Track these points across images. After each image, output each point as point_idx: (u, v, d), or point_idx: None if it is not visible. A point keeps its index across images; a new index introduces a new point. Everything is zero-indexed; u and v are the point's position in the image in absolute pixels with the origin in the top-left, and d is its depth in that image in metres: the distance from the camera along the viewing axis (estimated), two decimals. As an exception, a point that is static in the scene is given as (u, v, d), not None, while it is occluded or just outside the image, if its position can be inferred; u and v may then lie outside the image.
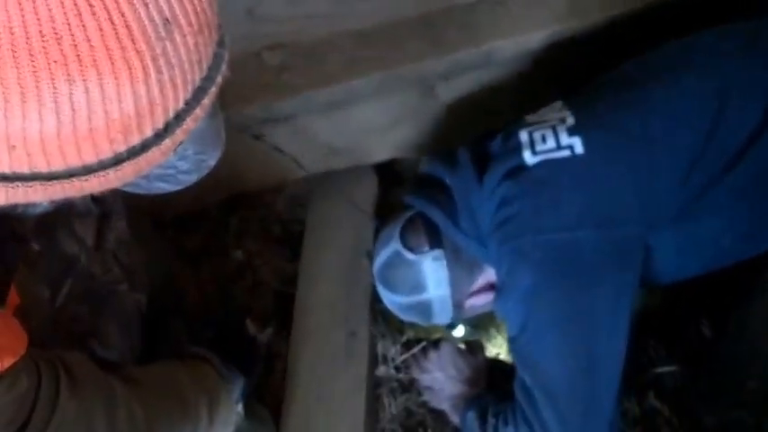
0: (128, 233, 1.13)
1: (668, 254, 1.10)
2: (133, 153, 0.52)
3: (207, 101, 0.55)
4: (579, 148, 1.08)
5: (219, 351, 1.21)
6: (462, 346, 1.36)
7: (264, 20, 1.21)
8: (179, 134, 0.54)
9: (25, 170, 0.49)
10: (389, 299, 1.27)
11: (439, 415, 1.33)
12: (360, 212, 1.54)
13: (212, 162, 0.72)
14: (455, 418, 1.26)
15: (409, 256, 1.20)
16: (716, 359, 1.18)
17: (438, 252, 1.19)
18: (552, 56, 1.37)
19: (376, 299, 1.40)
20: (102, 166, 0.51)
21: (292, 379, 1.34)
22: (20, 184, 0.50)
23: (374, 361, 1.40)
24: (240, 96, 1.30)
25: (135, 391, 0.98)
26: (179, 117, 0.53)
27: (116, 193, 1.05)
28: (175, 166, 0.68)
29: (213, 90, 0.55)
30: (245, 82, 1.30)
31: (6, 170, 0.48)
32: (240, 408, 1.22)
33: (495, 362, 1.32)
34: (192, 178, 0.71)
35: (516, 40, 1.34)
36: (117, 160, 0.51)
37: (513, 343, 1.13)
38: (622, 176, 1.07)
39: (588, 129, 1.10)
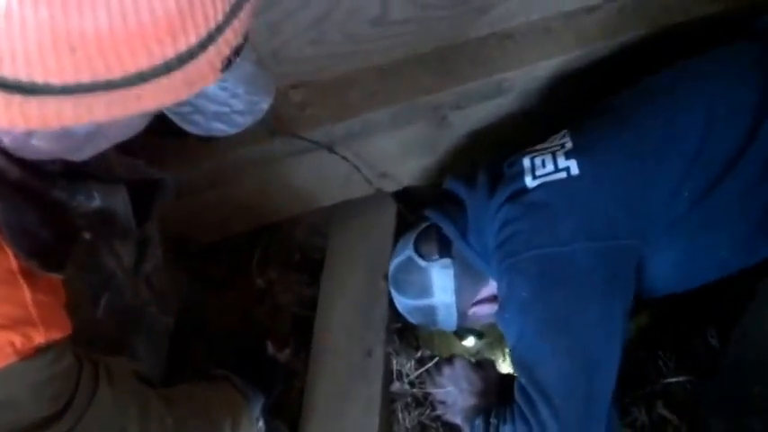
0: (162, 260, 1.18)
1: (665, 267, 1.15)
2: (181, 60, 0.54)
3: (243, 15, 0.57)
4: (575, 170, 1.15)
5: (241, 371, 1.25)
6: (474, 361, 1.37)
7: (288, 61, 1.27)
8: (222, 46, 0.56)
9: (86, 78, 0.51)
10: (399, 301, 1.37)
11: (452, 428, 1.35)
12: (378, 238, 1.57)
13: (265, 106, 0.75)
14: (468, 431, 1.27)
15: (420, 262, 1.31)
16: (722, 366, 1.19)
17: (446, 261, 1.29)
18: (559, 84, 1.43)
19: (392, 320, 1.46)
20: (156, 73, 0.53)
21: (309, 396, 1.37)
22: (82, 96, 0.52)
23: (389, 378, 1.42)
24: (266, 131, 1.36)
25: (166, 403, 1.00)
26: (220, 28, 0.55)
27: (154, 222, 1.11)
28: (229, 105, 0.70)
29: (249, 5, 0.57)
30: (271, 117, 1.35)
31: (70, 80, 0.51)
32: (261, 424, 1.26)
33: (507, 377, 1.33)
34: (248, 120, 0.74)
35: (524, 70, 1.39)
36: (167, 67, 0.53)
37: (512, 352, 1.18)
38: (614, 193, 1.12)
39: (584, 150, 1.17)
